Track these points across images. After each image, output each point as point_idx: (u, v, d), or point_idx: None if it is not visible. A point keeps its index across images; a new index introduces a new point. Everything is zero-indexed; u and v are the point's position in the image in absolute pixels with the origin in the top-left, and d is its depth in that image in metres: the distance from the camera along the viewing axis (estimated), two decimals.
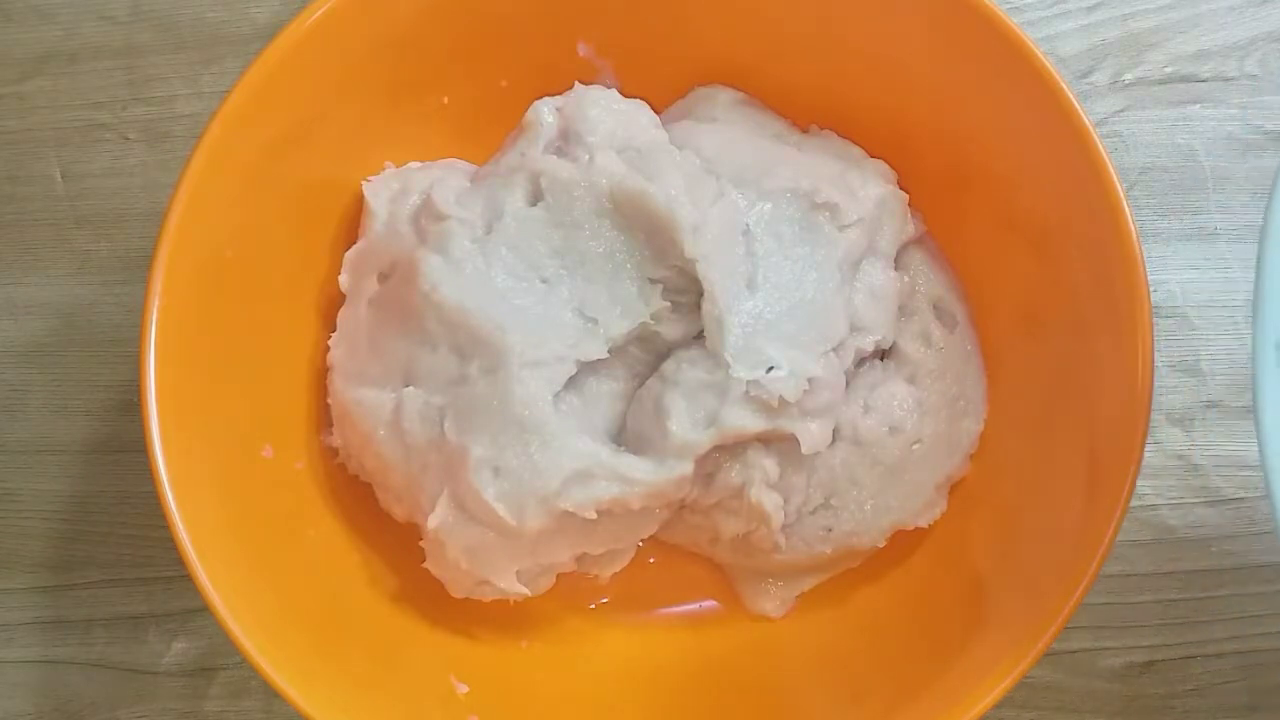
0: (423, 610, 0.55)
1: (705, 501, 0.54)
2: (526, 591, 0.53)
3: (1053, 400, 0.54)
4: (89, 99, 0.67)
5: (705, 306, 0.52)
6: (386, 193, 0.56)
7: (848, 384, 0.55)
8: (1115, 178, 0.50)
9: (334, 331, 0.56)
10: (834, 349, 0.53)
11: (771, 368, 0.51)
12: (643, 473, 0.51)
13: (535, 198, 0.54)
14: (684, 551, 0.58)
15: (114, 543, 0.63)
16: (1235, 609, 0.61)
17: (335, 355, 0.55)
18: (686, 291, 0.54)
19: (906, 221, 0.57)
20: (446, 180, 0.55)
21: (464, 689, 0.54)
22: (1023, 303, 0.56)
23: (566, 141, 0.55)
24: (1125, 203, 0.50)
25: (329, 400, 0.56)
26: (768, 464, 0.54)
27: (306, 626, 0.51)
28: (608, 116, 0.55)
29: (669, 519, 0.55)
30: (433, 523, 0.51)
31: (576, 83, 0.56)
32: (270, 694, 0.48)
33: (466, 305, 0.52)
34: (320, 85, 0.54)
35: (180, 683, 0.62)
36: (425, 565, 0.53)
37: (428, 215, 0.54)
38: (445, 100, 0.59)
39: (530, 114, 0.55)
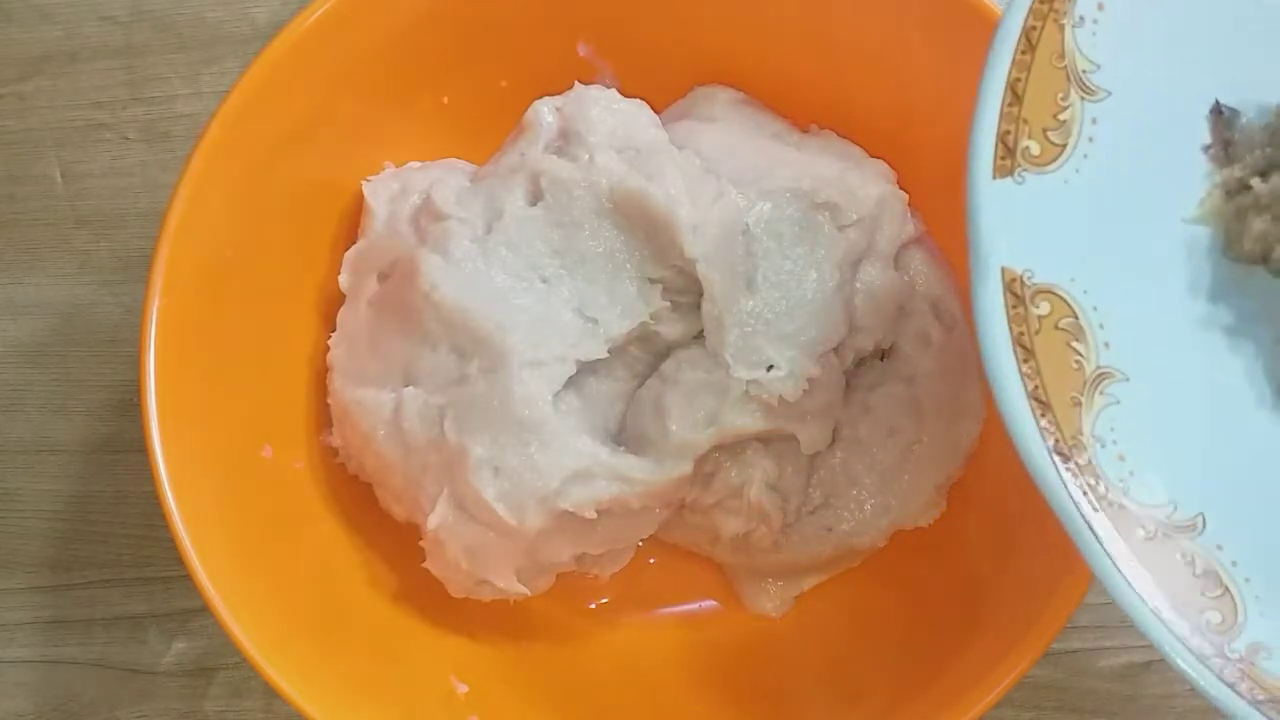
0: (423, 610, 0.55)
1: (705, 501, 0.55)
2: (526, 591, 0.53)
3: None
4: (89, 99, 0.67)
5: (705, 306, 0.52)
6: (386, 193, 0.56)
7: (847, 384, 0.55)
8: None
9: (334, 331, 0.56)
10: (833, 349, 0.53)
11: (771, 367, 0.51)
12: (642, 472, 0.51)
13: (535, 198, 0.54)
14: (684, 551, 0.58)
15: (114, 543, 0.63)
16: None
17: (335, 355, 0.55)
18: (686, 291, 0.54)
19: (906, 221, 0.57)
20: (446, 180, 0.55)
21: (464, 689, 0.54)
22: None
23: (566, 141, 0.55)
24: None
25: (329, 400, 0.56)
26: (767, 464, 0.54)
27: (306, 626, 0.51)
28: (608, 116, 0.55)
29: (669, 519, 0.55)
30: (433, 522, 0.51)
31: (576, 83, 0.56)
32: (270, 694, 0.48)
33: (466, 305, 0.52)
34: (320, 85, 0.54)
35: (180, 683, 0.62)
36: (425, 565, 0.53)
37: (428, 215, 0.54)
38: (445, 100, 0.59)
39: (530, 114, 0.55)
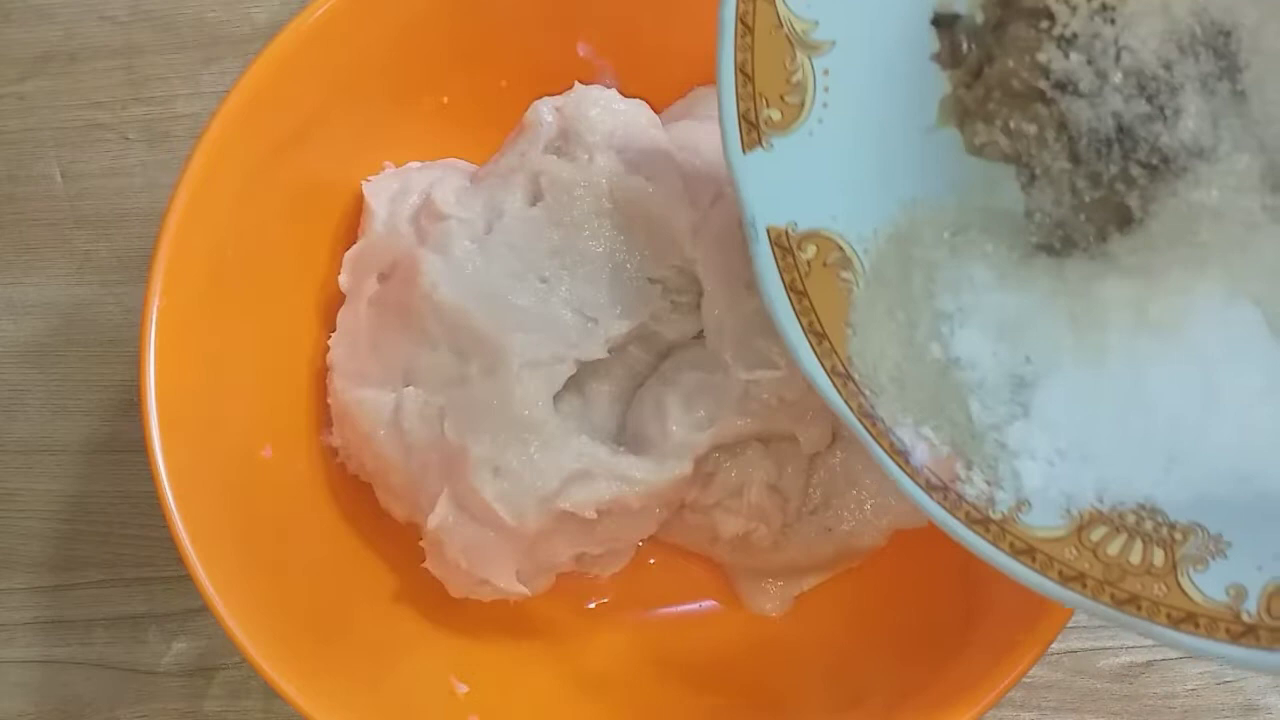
0: (423, 610, 0.55)
1: (705, 501, 0.54)
2: (526, 591, 0.53)
3: None
4: (89, 99, 0.67)
5: (705, 306, 0.52)
6: (386, 193, 0.56)
7: None
8: None
9: (334, 331, 0.56)
10: None
11: (771, 367, 0.51)
12: (642, 473, 0.51)
13: (535, 197, 0.54)
14: (684, 551, 0.58)
15: (114, 543, 0.63)
16: None
17: (335, 355, 0.55)
18: (686, 291, 0.54)
19: None
20: (446, 180, 0.55)
21: (464, 689, 0.54)
22: None
23: (566, 141, 0.55)
24: None
25: (329, 400, 0.56)
26: (767, 464, 0.54)
27: (306, 626, 0.51)
28: (608, 116, 0.55)
29: (669, 519, 0.55)
30: (433, 522, 0.51)
31: (576, 83, 0.56)
32: (270, 694, 0.48)
33: (466, 305, 0.52)
34: (320, 85, 0.54)
35: (180, 683, 0.62)
36: (425, 565, 0.53)
37: (428, 215, 0.55)
38: (445, 100, 0.59)
39: (530, 114, 0.55)
